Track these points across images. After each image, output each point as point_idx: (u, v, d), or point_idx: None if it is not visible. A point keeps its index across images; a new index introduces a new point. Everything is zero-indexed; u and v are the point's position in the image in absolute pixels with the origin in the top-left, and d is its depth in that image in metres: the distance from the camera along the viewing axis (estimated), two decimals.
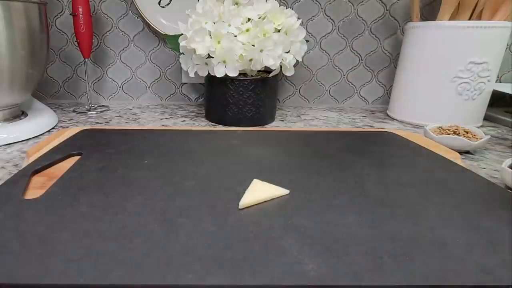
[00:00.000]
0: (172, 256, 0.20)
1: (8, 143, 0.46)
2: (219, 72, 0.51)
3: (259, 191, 0.29)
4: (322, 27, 0.70)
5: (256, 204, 0.28)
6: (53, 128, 0.54)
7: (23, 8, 0.45)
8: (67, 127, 0.55)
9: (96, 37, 0.70)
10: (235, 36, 0.50)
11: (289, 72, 0.56)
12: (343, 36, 0.71)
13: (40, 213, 0.25)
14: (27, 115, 0.54)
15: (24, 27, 0.46)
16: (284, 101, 0.76)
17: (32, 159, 0.37)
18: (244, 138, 0.44)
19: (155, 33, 0.70)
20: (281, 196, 0.29)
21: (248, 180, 0.32)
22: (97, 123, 0.58)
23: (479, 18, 0.57)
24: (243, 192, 0.29)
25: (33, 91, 0.55)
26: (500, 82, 0.73)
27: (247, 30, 0.50)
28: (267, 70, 0.59)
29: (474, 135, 0.46)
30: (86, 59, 0.62)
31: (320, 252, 0.21)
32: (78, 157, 0.37)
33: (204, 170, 0.34)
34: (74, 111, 0.66)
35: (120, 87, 0.74)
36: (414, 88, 0.60)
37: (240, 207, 0.27)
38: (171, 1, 0.66)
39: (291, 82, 0.74)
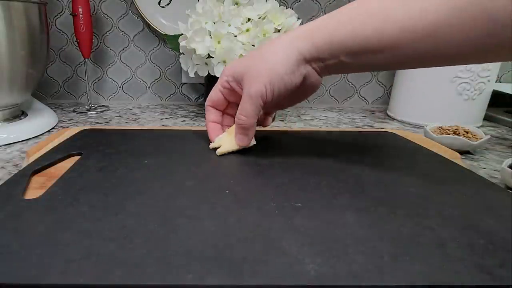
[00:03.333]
0: (172, 256, 0.20)
1: (8, 143, 0.46)
2: (219, 72, 0.51)
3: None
4: None
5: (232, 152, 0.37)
6: (53, 128, 0.54)
7: (23, 8, 0.45)
8: (67, 127, 0.55)
9: (96, 37, 0.70)
10: (235, 36, 0.50)
11: None
12: None
13: (40, 213, 0.25)
14: (27, 115, 0.54)
15: (24, 27, 0.46)
16: None
17: (32, 159, 0.37)
18: None
19: (155, 33, 0.70)
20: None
21: (248, 180, 0.32)
22: (97, 123, 0.58)
23: None
24: (243, 192, 0.29)
25: (33, 91, 0.55)
26: (500, 82, 0.73)
27: (247, 30, 0.50)
28: None
29: (474, 135, 0.46)
30: (86, 59, 0.62)
31: (320, 252, 0.21)
32: (78, 157, 0.37)
33: (204, 170, 0.34)
34: (74, 111, 0.66)
35: (120, 87, 0.74)
36: (414, 88, 0.60)
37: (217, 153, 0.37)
38: (171, 1, 0.66)
39: None
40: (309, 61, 0.32)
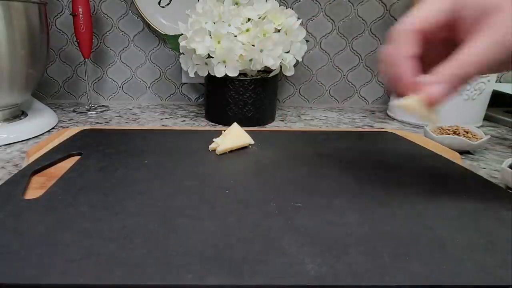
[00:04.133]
0: (172, 256, 0.20)
1: (8, 143, 0.46)
2: (219, 72, 0.51)
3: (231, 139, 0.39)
4: (322, 27, 0.70)
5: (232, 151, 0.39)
6: (53, 128, 0.54)
7: (23, 8, 0.45)
8: (67, 127, 0.55)
9: (96, 37, 0.70)
10: (235, 36, 0.50)
11: (289, 72, 0.56)
12: (343, 36, 0.71)
13: (40, 213, 0.25)
14: (27, 115, 0.54)
15: (24, 27, 0.46)
16: (284, 101, 0.76)
17: (32, 159, 0.37)
18: None
19: (155, 33, 0.70)
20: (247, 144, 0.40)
21: (248, 180, 0.32)
22: (97, 123, 0.58)
23: None
24: (243, 192, 0.29)
25: (33, 91, 0.55)
26: (500, 82, 0.73)
27: (247, 30, 0.50)
28: (267, 70, 0.59)
29: (474, 135, 0.46)
30: (86, 59, 0.62)
31: (320, 252, 0.21)
32: (78, 157, 0.37)
33: (204, 170, 0.34)
34: (74, 111, 0.66)
35: (120, 87, 0.74)
36: None
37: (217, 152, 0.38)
38: (171, 1, 0.66)
39: (291, 82, 0.74)
40: None
